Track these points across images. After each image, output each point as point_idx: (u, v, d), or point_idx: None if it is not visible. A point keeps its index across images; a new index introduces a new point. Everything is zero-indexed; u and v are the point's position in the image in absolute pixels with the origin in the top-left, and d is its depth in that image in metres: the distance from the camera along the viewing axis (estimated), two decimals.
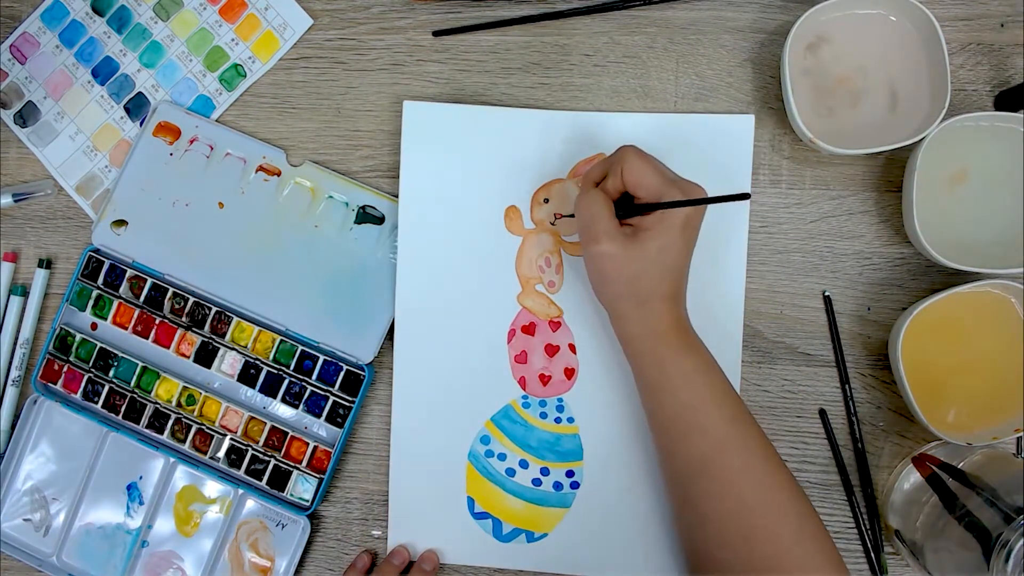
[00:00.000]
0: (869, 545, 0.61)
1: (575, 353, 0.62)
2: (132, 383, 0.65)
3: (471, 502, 0.62)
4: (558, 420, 0.62)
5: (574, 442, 0.62)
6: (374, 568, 0.63)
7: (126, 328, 0.65)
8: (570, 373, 0.62)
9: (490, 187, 0.62)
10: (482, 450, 0.62)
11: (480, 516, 0.62)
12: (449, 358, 0.62)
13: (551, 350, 0.62)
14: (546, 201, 0.62)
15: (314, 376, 0.64)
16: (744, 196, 0.50)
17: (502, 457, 0.62)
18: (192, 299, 0.64)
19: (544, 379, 0.62)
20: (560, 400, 0.62)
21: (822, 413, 0.62)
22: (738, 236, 0.61)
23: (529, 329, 0.62)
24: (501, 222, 0.63)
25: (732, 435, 0.52)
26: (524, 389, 0.62)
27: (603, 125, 0.62)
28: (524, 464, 0.62)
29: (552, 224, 0.62)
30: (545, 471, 0.62)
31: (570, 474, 0.62)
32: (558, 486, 0.62)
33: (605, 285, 0.55)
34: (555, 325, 0.62)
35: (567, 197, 0.62)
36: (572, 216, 0.60)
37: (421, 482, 0.63)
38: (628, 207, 0.54)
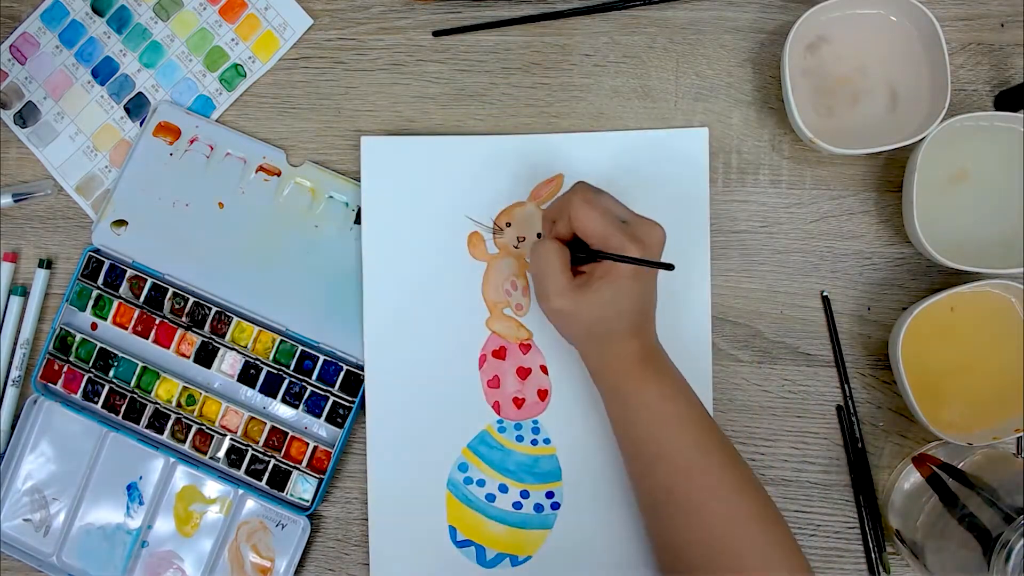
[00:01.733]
0: (871, 545, 0.61)
1: (547, 374, 0.62)
2: (132, 383, 0.65)
3: (453, 531, 0.62)
4: (535, 442, 0.62)
5: (552, 463, 0.62)
6: None
7: (126, 328, 0.65)
8: (543, 395, 0.62)
9: (451, 215, 0.62)
10: (460, 477, 0.62)
11: (463, 544, 0.62)
12: (421, 388, 0.62)
13: (523, 373, 0.62)
14: (508, 225, 0.62)
15: (314, 376, 0.64)
16: (668, 266, 0.51)
17: (481, 483, 0.62)
18: (192, 299, 0.64)
19: (518, 402, 0.62)
20: (535, 422, 0.62)
21: (839, 410, 0.62)
22: (701, 242, 0.62)
23: (500, 353, 0.62)
24: (464, 249, 0.63)
25: (697, 461, 0.52)
26: (499, 413, 0.62)
27: (559, 147, 0.62)
28: (503, 488, 0.62)
29: (516, 248, 0.62)
30: (525, 494, 0.62)
31: (550, 495, 0.62)
32: (539, 508, 0.62)
33: (564, 333, 0.56)
34: (525, 348, 0.62)
35: (528, 220, 0.62)
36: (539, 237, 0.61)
37: (401, 516, 0.62)
38: (583, 248, 0.54)
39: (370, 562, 0.62)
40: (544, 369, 0.62)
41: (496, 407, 0.62)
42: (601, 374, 0.56)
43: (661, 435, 0.53)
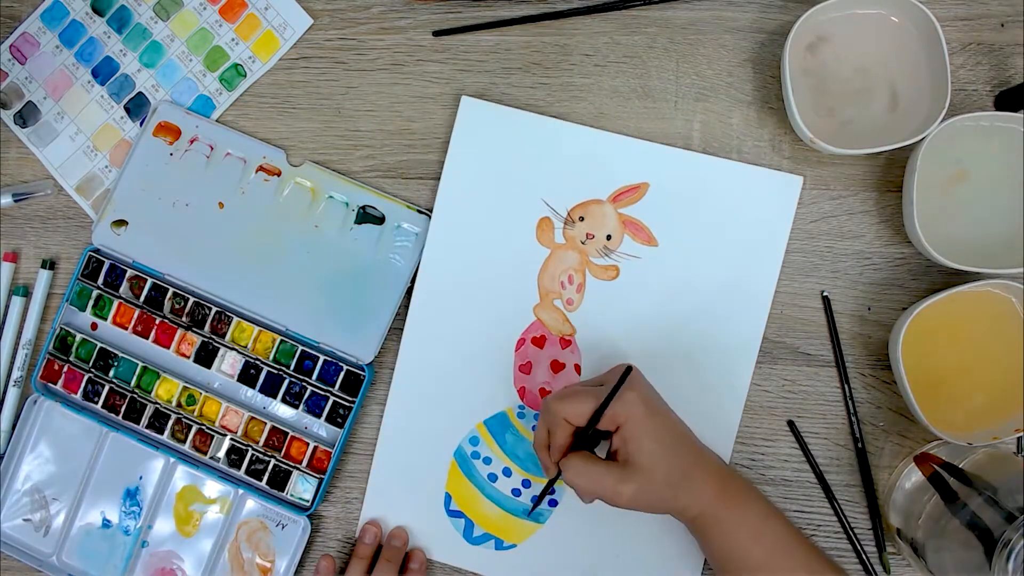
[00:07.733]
0: (868, 545, 0.61)
1: (579, 374, 0.62)
2: (132, 383, 0.65)
3: (448, 498, 0.62)
4: None
5: None
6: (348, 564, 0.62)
7: (126, 328, 0.65)
8: None
9: (528, 195, 0.63)
10: (469, 450, 0.62)
11: (454, 514, 0.62)
12: (455, 353, 0.63)
13: (556, 366, 0.62)
14: (581, 219, 0.62)
15: (314, 376, 0.64)
16: (628, 369, 0.53)
17: (487, 461, 0.62)
18: (192, 299, 0.64)
19: (544, 393, 0.62)
20: None
21: (791, 424, 0.62)
22: (765, 288, 0.62)
23: (539, 341, 0.62)
24: (533, 232, 0.63)
25: None
26: (522, 399, 0.62)
27: (652, 156, 0.62)
28: (507, 472, 0.62)
29: (583, 243, 0.62)
30: (527, 483, 0.62)
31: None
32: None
33: (658, 506, 0.54)
34: (566, 343, 0.62)
35: (603, 219, 0.62)
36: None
37: (403, 468, 0.63)
38: (583, 439, 0.54)
39: (363, 504, 0.63)
40: (578, 368, 0.62)
41: (521, 392, 0.62)
42: (698, 513, 0.54)
43: (772, 564, 0.53)
